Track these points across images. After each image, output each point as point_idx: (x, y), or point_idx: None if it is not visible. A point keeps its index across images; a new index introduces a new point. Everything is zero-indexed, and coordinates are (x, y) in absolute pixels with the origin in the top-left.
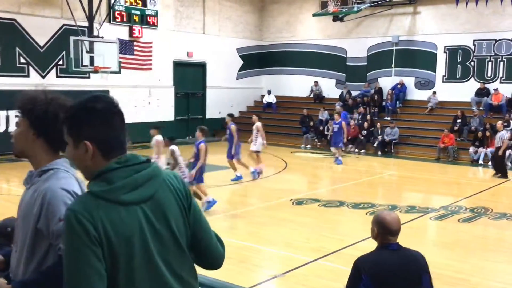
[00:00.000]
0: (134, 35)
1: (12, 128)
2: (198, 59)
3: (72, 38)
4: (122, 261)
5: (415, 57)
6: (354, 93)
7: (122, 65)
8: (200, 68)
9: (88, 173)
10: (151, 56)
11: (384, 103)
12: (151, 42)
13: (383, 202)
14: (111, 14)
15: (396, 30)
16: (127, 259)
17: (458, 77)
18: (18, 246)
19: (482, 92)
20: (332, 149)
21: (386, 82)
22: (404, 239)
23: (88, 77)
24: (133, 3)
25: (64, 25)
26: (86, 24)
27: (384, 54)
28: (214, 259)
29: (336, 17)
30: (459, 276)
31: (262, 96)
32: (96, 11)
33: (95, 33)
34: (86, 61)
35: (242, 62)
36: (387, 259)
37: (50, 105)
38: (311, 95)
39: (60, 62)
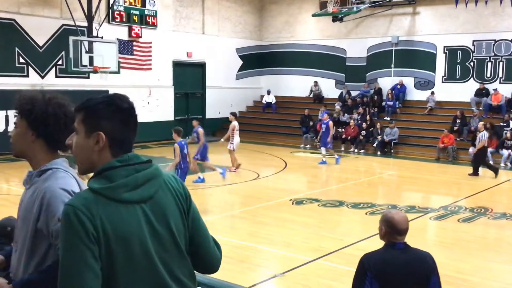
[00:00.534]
0: (133, 35)
1: (11, 128)
2: (198, 59)
3: (71, 38)
4: (119, 260)
5: (414, 58)
6: (354, 93)
7: (121, 65)
8: (199, 68)
9: (87, 164)
10: (150, 56)
11: (383, 103)
12: (150, 42)
13: (383, 202)
14: (110, 14)
15: (396, 30)
16: (125, 259)
17: (457, 77)
18: (18, 246)
19: (481, 93)
20: (322, 150)
21: (386, 82)
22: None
23: (88, 77)
24: (133, 3)
25: (63, 25)
26: (86, 24)
27: (383, 54)
28: (211, 263)
29: (336, 18)
30: (459, 276)
31: (262, 96)
32: (96, 11)
33: (94, 33)
34: (85, 61)
35: (241, 62)
36: (393, 258)
37: (49, 105)
38: (311, 95)
39: (60, 62)
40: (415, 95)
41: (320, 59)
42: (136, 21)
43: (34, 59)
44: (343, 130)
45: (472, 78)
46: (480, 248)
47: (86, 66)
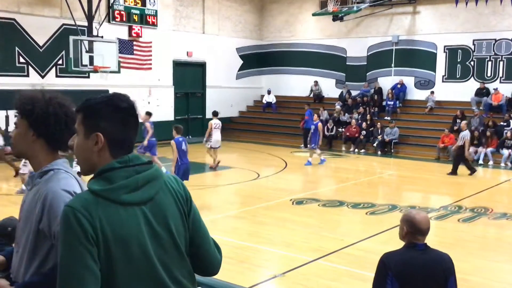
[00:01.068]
0: (133, 35)
1: (12, 128)
2: (198, 58)
3: (71, 38)
4: (118, 262)
5: (415, 57)
6: (354, 92)
7: (121, 64)
8: (199, 68)
9: (88, 165)
10: (150, 55)
11: (384, 103)
12: (150, 42)
13: (383, 202)
14: (110, 13)
15: (396, 29)
16: (124, 260)
17: (458, 76)
18: (19, 247)
19: (482, 92)
20: (317, 151)
21: (386, 82)
22: None
23: (88, 77)
24: (133, 3)
25: (63, 24)
26: (86, 23)
27: (384, 53)
28: (211, 265)
29: (336, 17)
30: (459, 276)
31: (262, 96)
32: (96, 11)
33: (94, 33)
34: (85, 60)
35: (241, 61)
36: (413, 259)
37: (50, 104)
38: (311, 95)
39: (60, 62)
40: (416, 94)
41: (320, 58)
42: (136, 20)
43: (34, 58)
44: (343, 130)
45: (472, 77)
46: (480, 248)
47: (86, 65)
